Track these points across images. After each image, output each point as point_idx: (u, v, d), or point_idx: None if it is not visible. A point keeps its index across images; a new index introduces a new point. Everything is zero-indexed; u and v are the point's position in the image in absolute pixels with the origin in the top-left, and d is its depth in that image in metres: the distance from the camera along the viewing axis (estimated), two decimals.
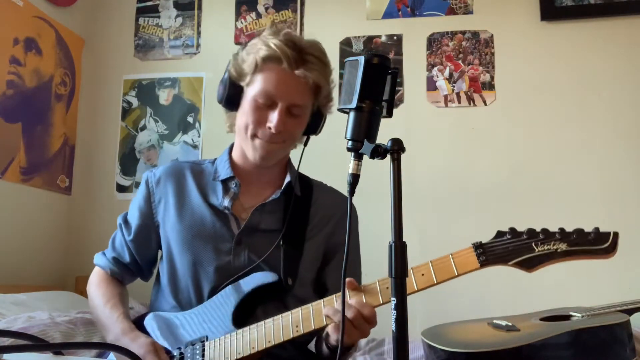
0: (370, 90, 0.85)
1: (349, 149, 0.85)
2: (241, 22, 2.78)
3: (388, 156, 0.83)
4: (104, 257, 1.36)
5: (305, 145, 1.32)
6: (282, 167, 1.33)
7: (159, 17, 2.86)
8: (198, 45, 2.80)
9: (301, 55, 1.19)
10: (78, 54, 2.80)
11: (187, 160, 1.43)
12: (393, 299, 0.79)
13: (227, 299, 1.17)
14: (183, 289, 1.25)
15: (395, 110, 0.91)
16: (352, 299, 1.02)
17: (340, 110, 0.89)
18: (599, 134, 2.39)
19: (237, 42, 2.76)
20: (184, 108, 2.75)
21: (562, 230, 0.92)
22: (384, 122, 0.88)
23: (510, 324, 1.41)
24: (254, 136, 1.21)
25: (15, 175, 2.37)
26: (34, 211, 2.49)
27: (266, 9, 2.76)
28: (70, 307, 2.06)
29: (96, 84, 2.84)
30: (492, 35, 2.54)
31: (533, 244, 0.91)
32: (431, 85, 2.56)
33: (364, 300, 1.02)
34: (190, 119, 2.73)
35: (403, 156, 0.83)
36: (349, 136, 0.85)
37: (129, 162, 2.75)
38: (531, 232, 0.92)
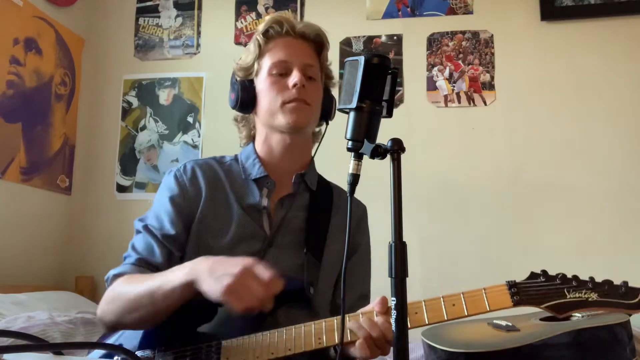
0: (370, 90, 0.85)
1: (349, 149, 0.85)
2: (241, 22, 2.78)
3: (388, 156, 0.83)
4: (124, 266, 1.18)
5: (324, 134, 1.34)
6: (306, 164, 1.32)
7: (159, 17, 2.86)
8: (198, 45, 2.80)
9: (293, 22, 1.26)
10: (78, 54, 2.80)
11: (212, 157, 1.34)
12: (393, 299, 0.78)
13: None
14: None
15: (395, 110, 0.91)
16: (378, 317, 1.00)
17: (340, 110, 0.89)
18: (599, 133, 2.39)
19: (237, 42, 2.76)
20: (184, 108, 2.75)
21: (592, 279, 0.93)
22: (384, 122, 0.88)
23: (510, 324, 1.41)
24: (282, 105, 1.20)
25: (15, 175, 2.37)
26: (34, 211, 2.49)
27: (266, 9, 2.76)
28: (70, 307, 2.06)
29: (96, 84, 2.84)
30: (492, 35, 2.54)
31: (565, 290, 0.92)
32: (431, 85, 2.57)
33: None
34: (190, 119, 2.73)
35: (403, 156, 0.83)
36: (349, 136, 0.85)
37: (129, 162, 2.75)
38: (564, 278, 0.93)
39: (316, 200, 1.29)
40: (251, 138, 1.32)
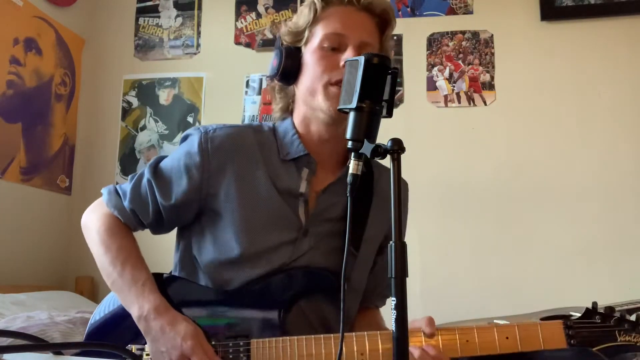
0: (371, 90, 0.84)
1: (349, 149, 0.85)
2: (241, 22, 2.78)
3: (388, 156, 0.83)
4: (119, 201, 1.15)
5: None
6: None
7: (159, 17, 2.86)
8: (198, 45, 2.80)
9: None
10: (78, 54, 2.80)
11: (248, 125, 1.19)
12: (393, 299, 0.78)
13: (277, 293, 1.06)
14: (233, 274, 1.10)
15: (395, 110, 0.91)
16: (429, 347, 0.96)
17: (340, 110, 0.89)
18: (599, 133, 2.39)
19: (237, 42, 2.76)
20: (184, 108, 2.75)
21: None
22: (384, 122, 0.88)
23: (510, 323, 1.41)
24: (326, 86, 1.07)
25: (15, 175, 2.37)
26: (34, 211, 2.49)
27: (266, 9, 2.76)
28: (70, 307, 2.06)
29: (96, 84, 2.84)
30: (492, 35, 2.54)
31: (617, 332, 0.93)
32: (431, 85, 2.56)
33: (441, 348, 0.97)
34: (190, 119, 2.73)
35: (403, 156, 0.83)
36: (349, 136, 0.85)
37: (129, 162, 2.75)
38: (618, 320, 0.94)
39: (360, 180, 1.18)
40: (288, 112, 1.19)
